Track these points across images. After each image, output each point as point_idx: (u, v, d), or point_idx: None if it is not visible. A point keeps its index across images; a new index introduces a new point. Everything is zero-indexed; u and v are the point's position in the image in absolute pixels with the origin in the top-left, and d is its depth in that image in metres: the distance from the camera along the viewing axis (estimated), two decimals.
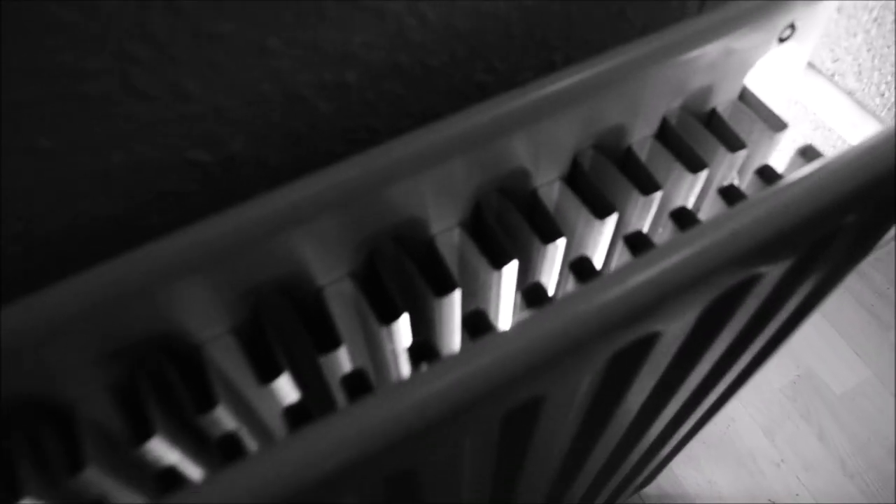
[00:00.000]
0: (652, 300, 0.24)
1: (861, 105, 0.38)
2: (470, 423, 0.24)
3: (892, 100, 0.61)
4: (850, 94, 0.57)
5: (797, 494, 0.96)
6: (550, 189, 0.32)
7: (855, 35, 0.49)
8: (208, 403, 0.27)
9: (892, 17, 0.50)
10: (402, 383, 0.22)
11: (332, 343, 0.28)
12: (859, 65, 0.53)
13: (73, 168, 0.25)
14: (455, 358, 0.22)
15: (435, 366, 0.22)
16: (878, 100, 0.61)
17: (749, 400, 1.02)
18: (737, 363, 0.49)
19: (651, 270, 0.24)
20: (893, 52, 0.55)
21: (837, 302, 1.09)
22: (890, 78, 0.58)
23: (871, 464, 0.98)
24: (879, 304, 1.09)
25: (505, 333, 0.23)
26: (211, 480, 0.21)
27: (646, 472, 0.79)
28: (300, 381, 0.31)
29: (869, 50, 0.52)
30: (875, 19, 0.49)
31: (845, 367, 1.05)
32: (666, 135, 0.34)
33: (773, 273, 0.31)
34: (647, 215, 0.33)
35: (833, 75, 0.52)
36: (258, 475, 0.21)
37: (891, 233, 1.07)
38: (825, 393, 1.03)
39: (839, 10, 0.46)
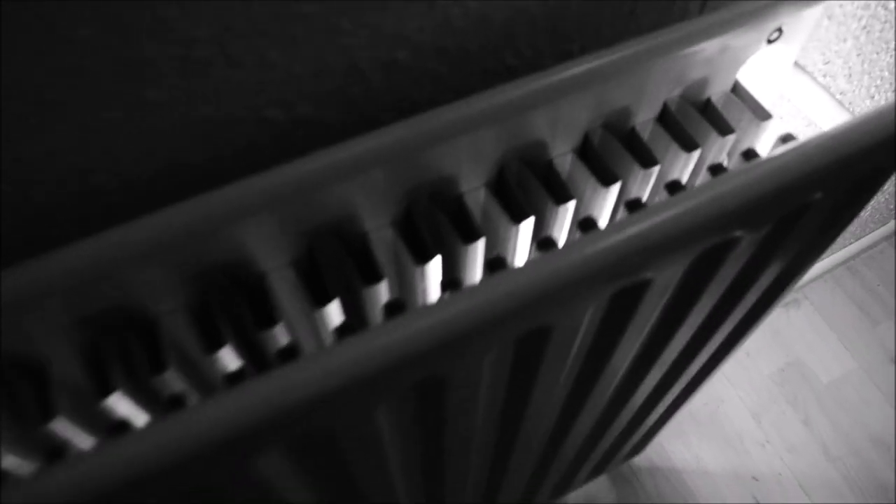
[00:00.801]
0: (643, 248, 0.30)
1: (838, 102, 0.43)
2: (488, 340, 0.29)
3: (882, 102, 0.66)
4: (841, 93, 0.62)
5: (780, 474, 1.02)
6: (564, 160, 0.38)
7: (845, 40, 0.54)
8: (270, 321, 0.33)
9: (880, 26, 0.55)
10: (431, 305, 0.27)
11: (375, 277, 0.33)
12: (849, 68, 0.58)
13: (171, 119, 0.30)
14: (477, 285, 0.28)
15: (459, 292, 0.28)
16: (868, 102, 0.66)
17: (739, 384, 1.07)
18: (719, 330, 0.55)
19: (643, 224, 0.30)
20: (882, 58, 0.60)
21: (829, 296, 1.14)
22: (879, 82, 0.64)
23: (852, 450, 1.04)
24: (869, 300, 1.14)
25: (519, 268, 0.28)
26: (287, 369, 0.26)
27: (634, 439, 0.84)
28: (346, 308, 0.37)
29: (859, 55, 0.57)
30: (864, 27, 0.54)
31: (833, 357, 1.10)
32: (666, 118, 0.39)
33: (749, 238, 0.36)
34: (646, 186, 0.38)
35: (825, 76, 0.58)
36: (314, 369, 0.27)
37: (882, 231, 1.12)
38: (812, 381, 1.08)
39: (830, 17, 0.51)
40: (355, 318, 0.38)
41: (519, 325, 0.30)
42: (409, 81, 0.34)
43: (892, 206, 1.03)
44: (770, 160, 0.32)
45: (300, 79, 0.31)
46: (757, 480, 1.01)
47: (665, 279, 0.35)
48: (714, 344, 0.60)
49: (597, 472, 0.88)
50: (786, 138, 0.39)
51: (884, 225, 1.11)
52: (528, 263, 0.28)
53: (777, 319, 1.12)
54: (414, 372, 0.29)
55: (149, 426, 0.25)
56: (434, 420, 0.37)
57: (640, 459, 1.01)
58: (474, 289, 0.28)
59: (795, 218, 0.37)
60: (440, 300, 0.28)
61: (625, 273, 0.31)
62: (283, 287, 0.34)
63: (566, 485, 0.86)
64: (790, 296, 1.14)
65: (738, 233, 0.34)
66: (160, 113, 0.29)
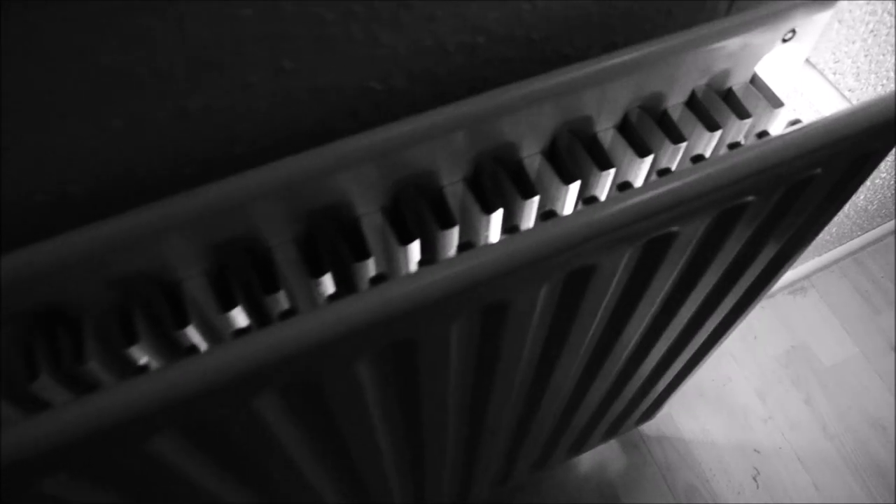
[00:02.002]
0: (673, 203, 0.37)
1: (843, 95, 0.50)
2: (456, 305, 0.36)
3: None
4: (849, 90, 0.69)
5: (780, 448, 1.09)
6: (607, 134, 0.45)
7: (854, 42, 0.61)
8: (274, 288, 0.40)
9: (886, 31, 0.61)
10: (408, 275, 0.34)
11: (364, 255, 0.40)
12: (857, 67, 0.65)
13: (296, 85, 0.38)
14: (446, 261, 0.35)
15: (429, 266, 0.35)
16: None
17: (746, 364, 1.14)
18: (728, 296, 0.62)
19: (673, 183, 0.37)
20: (888, 59, 0.66)
21: (835, 285, 1.21)
22: (885, 81, 0.70)
23: (849, 429, 1.10)
24: (873, 290, 1.21)
25: (568, 216, 0.36)
26: (324, 308, 0.34)
27: (645, 405, 0.92)
28: (339, 280, 0.44)
29: (866, 55, 0.64)
30: (871, 31, 0.61)
31: (836, 343, 1.17)
32: (693, 103, 0.46)
33: (759, 205, 0.43)
34: (675, 159, 0.45)
35: (835, 74, 0.65)
36: (305, 324, 0.34)
37: (888, 226, 1.19)
38: (815, 364, 1.15)
39: (840, 21, 0.58)
40: (346, 289, 0.45)
41: (569, 264, 0.37)
42: (483, 63, 0.42)
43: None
44: (776, 138, 0.39)
45: (401, 57, 0.38)
46: (759, 453, 1.08)
47: (688, 235, 0.42)
48: (723, 311, 0.67)
49: (609, 434, 0.95)
50: (794, 122, 0.46)
51: (889, 220, 1.17)
52: (573, 213, 0.36)
53: (784, 305, 1.19)
54: (394, 332, 0.35)
55: (171, 366, 0.32)
56: (487, 358, 0.45)
57: (649, 429, 1.08)
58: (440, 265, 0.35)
59: (799, 190, 0.44)
60: (416, 272, 0.34)
61: (655, 227, 0.39)
62: (285, 259, 0.41)
63: (580, 445, 0.93)
64: (798, 283, 1.20)
65: (750, 197, 0.41)
66: (288, 81, 0.37)
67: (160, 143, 0.37)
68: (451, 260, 0.34)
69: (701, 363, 0.85)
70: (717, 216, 0.43)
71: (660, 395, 0.92)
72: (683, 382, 0.90)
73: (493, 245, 0.35)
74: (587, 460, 1.07)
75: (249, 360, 0.32)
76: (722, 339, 0.78)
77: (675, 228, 0.40)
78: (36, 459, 0.31)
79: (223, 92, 0.36)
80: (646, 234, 0.39)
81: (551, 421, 0.76)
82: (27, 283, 0.35)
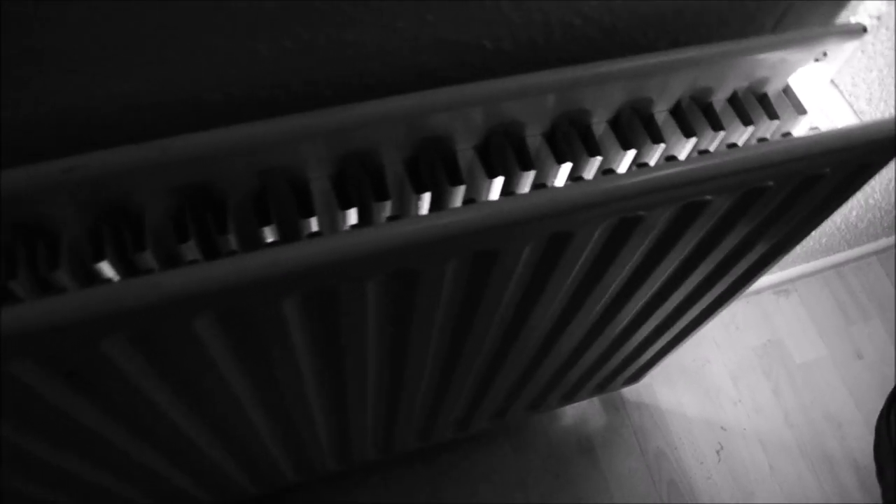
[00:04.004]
0: (710, 174, 0.47)
1: (856, 114, 0.60)
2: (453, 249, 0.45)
3: None
4: (860, 112, 0.79)
5: (745, 429, 1.20)
6: (660, 115, 0.54)
7: (871, 71, 0.71)
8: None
9: None
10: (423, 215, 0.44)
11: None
12: (871, 94, 0.75)
13: (430, 34, 0.47)
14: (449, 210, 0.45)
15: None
16: None
17: (725, 349, 1.26)
18: (721, 281, 0.72)
19: (711, 160, 0.47)
20: None
21: (816, 292, 1.32)
22: (892, 110, 0.80)
23: (808, 421, 1.22)
24: (849, 302, 1.32)
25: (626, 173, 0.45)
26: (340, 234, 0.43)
27: (633, 369, 1.02)
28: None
29: (880, 85, 0.74)
30: (888, 64, 0.70)
31: (809, 343, 1.28)
32: (734, 101, 0.56)
33: (775, 192, 0.53)
34: (712, 144, 0.55)
35: (850, 95, 0.74)
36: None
37: (873, 246, 1.29)
38: (787, 360, 1.27)
39: (863, 51, 0.67)
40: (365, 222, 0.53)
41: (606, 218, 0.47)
42: (573, 39, 0.51)
43: (885, 224, 1.20)
44: (799, 138, 0.49)
45: (514, 25, 0.48)
46: (725, 430, 1.20)
47: (716, 206, 0.52)
48: (713, 294, 0.77)
49: (599, 389, 1.06)
50: (813, 129, 0.56)
51: (875, 241, 1.28)
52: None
53: (768, 303, 1.30)
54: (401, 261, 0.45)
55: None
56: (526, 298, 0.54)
57: (631, 394, 1.19)
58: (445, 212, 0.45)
59: (808, 185, 0.54)
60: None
61: (696, 192, 0.48)
62: (321, 191, 0.50)
63: (573, 395, 1.04)
64: (783, 285, 1.31)
65: (770, 182, 0.51)
66: (426, 30, 0.46)
67: (311, 65, 0.46)
68: (470, 207, 0.44)
69: (686, 340, 0.95)
70: (741, 196, 0.53)
71: (647, 361, 1.02)
72: (668, 355, 1.01)
73: (556, 189, 0.45)
74: (571, 415, 1.18)
75: (301, 261, 0.41)
76: (707, 322, 0.88)
77: (709, 197, 0.49)
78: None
79: (376, 31, 0.45)
80: (687, 197, 0.48)
81: (555, 366, 0.86)
82: (186, 164, 0.44)
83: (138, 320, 0.42)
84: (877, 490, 1.15)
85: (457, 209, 0.45)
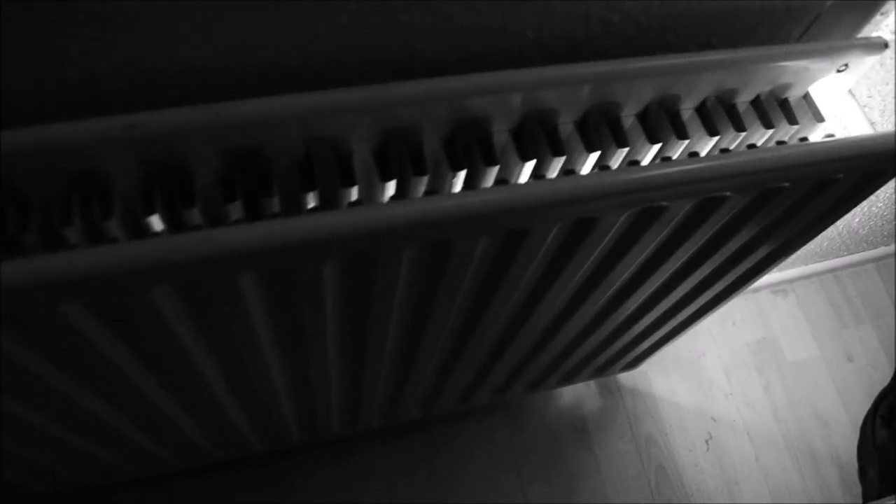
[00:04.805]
0: (730, 172, 0.49)
1: (871, 124, 0.63)
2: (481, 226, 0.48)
3: None
4: (873, 123, 0.81)
5: (734, 421, 1.24)
6: (686, 112, 0.57)
7: (887, 84, 0.73)
8: (351, 182, 0.53)
9: None
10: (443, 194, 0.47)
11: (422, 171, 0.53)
12: (884, 106, 0.77)
13: (479, 21, 0.49)
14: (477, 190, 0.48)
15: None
16: None
17: (721, 343, 1.29)
18: (724, 277, 0.75)
19: (729, 160, 0.49)
20: None
21: (813, 294, 1.35)
22: None
23: (796, 418, 1.26)
24: (845, 306, 1.36)
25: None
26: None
27: (633, 355, 1.05)
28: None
29: (894, 98, 0.76)
30: None
31: (802, 343, 1.32)
32: (757, 104, 0.59)
33: (790, 193, 0.56)
34: (734, 143, 0.58)
35: (865, 106, 0.77)
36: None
37: (872, 253, 1.33)
38: (780, 357, 1.30)
39: (882, 65, 0.70)
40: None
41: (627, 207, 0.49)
42: (609, 35, 0.53)
43: (885, 233, 1.23)
44: (816, 143, 0.52)
45: (556, 17, 0.50)
46: (715, 421, 1.23)
47: (734, 202, 0.54)
48: (716, 290, 0.80)
49: (598, 372, 1.09)
50: (829, 135, 0.59)
51: (874, 248, 1.31)
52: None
53: (766, 301, 1.33)
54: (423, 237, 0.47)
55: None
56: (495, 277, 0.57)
57: (626, 380, 1.23)
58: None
59: (821, 188, 0.57)
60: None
61: (715, 188, 0.51)
62: (362, 162, 0.52)
63: (573, 376, 1.08)
64: (781, 285, 1.34)
65: (786, 183, 0.54)
66: (476, 17, 0.48)
67: (364, 42, 0.48)
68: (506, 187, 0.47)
69: (685, 331, 0.98)
70: (758, 195, 0.56)
71: (646, 349, 1.05)
72: (667, 344, 1.04)
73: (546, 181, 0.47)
74: (568, 396, 1.22)
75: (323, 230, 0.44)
76: (707, 315, 0.91)
77: (727, 193, 0.52)
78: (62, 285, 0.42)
79: (429, 15, 0.47)
80: (707, 192, 0.51)
81: (561, 346, 0.90)
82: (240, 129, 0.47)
83: (187, 273, 0.45)
84: (856, 487, 1.19)
85: (492, 188, 0.47)
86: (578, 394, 1.22)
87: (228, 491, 1.10)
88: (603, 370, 1.09)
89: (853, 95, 0.65)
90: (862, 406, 1.26)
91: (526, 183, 0.49)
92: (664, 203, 0.51)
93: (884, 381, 1.28)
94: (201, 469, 1.06)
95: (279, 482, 1.11)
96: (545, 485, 1.15)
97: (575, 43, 0.53)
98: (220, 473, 1.10)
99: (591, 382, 1.22)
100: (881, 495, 1.09)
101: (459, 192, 0.47)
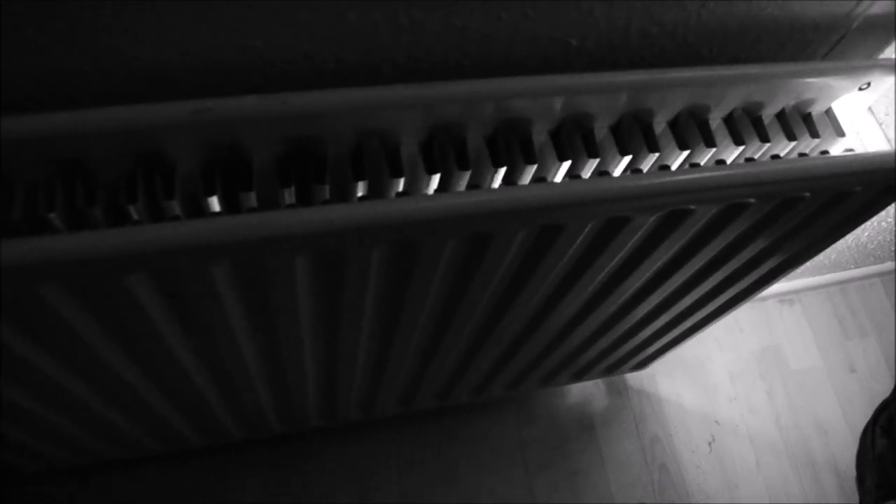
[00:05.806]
0: (747, 181, 0.52)
1: (888, 140, 0.66)
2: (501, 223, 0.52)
3: None
4: (890, 139, 0.84)
5: (737, 426, 1.27)
6: (715, 122, 0.60)
7: None
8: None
9: None
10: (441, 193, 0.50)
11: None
12: None
13: (526, 27, 0.52)
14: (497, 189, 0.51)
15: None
16: None
17: (727, 349, 1.32)
18: (736, 284, 0.78)
19: (749, 168, 0.52)
20: None
21: (819, 305, 1.39)
22: None
23: (797, 425, 1.29)
24: (849, 318, 1.39)
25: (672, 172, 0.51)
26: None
27: (642, 356, 1.08)
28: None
29: None
30: None
31: (806, 352, 1.35)
32: (781, 117, 0.62)
33: (808, 204, 0.59)
34: (759, 153, 0.61)
35: (882, 124, 0.80)
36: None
37: (879, 268, 1.36)
38: (783, 365, 1.33)
39: None
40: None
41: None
42: (647, 45, 0.57)
43: (893, 248, 1.26)
44: (837, 156, 0.55)
45: (600, 27, 0.53)
46: (718, 424, 1.27)
47: (755, 209, 0.58)
48: (735, 290, 0.83)
49: (608, 371, 1.12)
50: (848, 150, 0.62)
51: (881, 263, 1.35)
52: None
53: (772, 310, 1.36)
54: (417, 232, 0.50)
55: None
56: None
57: (634, 381, 1.26)
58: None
59: (838, 200, 0.60)
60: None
61: (740, 195, 0.54)
62: (409, 155, 0.55)
63: (584, 373, 1.11)
64: (788, 295, 1.37)
65: (806, 193, 0.57)
66: (524, 24, 0.51)
67: (418, 43, 0.51)
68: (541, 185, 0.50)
69: (694, 335, 1.01)
70: (778, 204, 0.59)
71: (656, 350, 1.09)
72: (676, 347, 1.07)
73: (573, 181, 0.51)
74: (576, 394, 1.25)
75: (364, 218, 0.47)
76: (716, 321, 0.94)
77: (751, 200, 0.55)
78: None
79: (482, 20, 0.50)
80: (732, 198, 0.54)
81: (577, 343, 0.93)
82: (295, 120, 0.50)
83: (247, 251, 0.48)
84: (854, 496, 1.23)
85: (532, 185, 0.51)
86: (587, 392, 1.25)
87: (240, 470, 1.13)
88: (613, 369, 1.12)
89: (872, 113, 0.68)
90: (862, 416, 1.29)
91: (564, 181, 0.52)
92: (691, 206, 0.54)
93: (884, 392, 1.31)
94: (219, 448, 1.09)
95: (291, 465, 1.15)
96: (551, 478, 1.18)
97: (614, 50, 0.56)
98: (234, 453, 1.14)
99: (600, 381, 1.25)
100: (877, 502, 1.12)
101: (501, 188, 0.50)
